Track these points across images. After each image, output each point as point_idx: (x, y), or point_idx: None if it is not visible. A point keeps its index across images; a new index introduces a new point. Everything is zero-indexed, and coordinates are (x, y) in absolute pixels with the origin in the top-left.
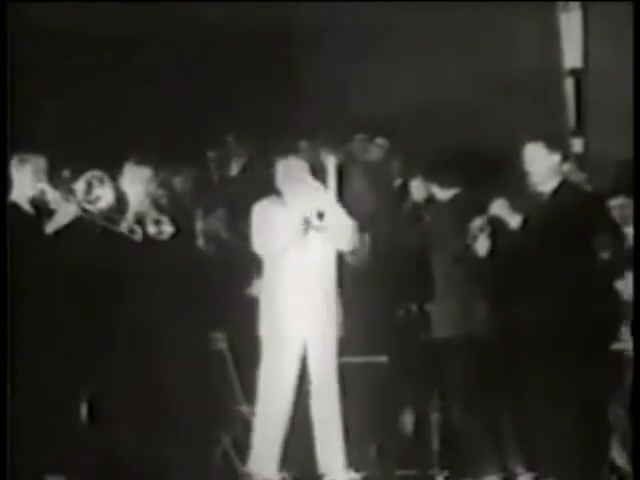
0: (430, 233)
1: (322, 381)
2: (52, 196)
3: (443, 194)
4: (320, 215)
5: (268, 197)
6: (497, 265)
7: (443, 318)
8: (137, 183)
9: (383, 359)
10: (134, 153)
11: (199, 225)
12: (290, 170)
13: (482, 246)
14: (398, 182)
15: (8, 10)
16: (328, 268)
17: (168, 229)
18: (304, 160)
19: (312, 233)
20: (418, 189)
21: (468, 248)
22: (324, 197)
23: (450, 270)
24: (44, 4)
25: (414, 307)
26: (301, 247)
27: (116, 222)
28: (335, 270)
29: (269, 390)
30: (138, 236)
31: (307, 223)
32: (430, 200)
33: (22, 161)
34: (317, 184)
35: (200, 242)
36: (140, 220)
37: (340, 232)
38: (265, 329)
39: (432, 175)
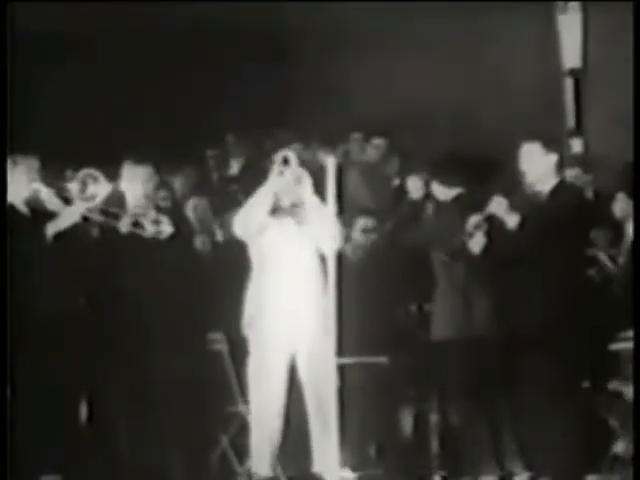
0: (429, 233)
1: (314, 380)
2: (47, 196)
3: (445, 194)
4: (285, 161)
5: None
6: (496, 265)
7: (442, 318)
8: (136, 182)
9: (383, 359)
10: (133, 152)
11: (198, 225)
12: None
13: (477, 244)
14: (396, 182)
15: (8, 10)
16: (314, 265)
17: (167, 229)
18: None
19: (295, 228)
20: (415, 187)
21: (463, 245)
22: (303, 188)
23: (449, 270)
24: (43, 4)
25: (413, 307)
26: (285, 243)
27: (115, 221)
28: (321, 267)
29: (259, 390)
30: (137, 235)
31: (278, 204)
32: (428, 198)
33: (15, 162)
34: (299, 173)
35: (199, 242)
36: (138, 220)
37: (321, 228)
38: (249, 328)
39: (433, 175)
